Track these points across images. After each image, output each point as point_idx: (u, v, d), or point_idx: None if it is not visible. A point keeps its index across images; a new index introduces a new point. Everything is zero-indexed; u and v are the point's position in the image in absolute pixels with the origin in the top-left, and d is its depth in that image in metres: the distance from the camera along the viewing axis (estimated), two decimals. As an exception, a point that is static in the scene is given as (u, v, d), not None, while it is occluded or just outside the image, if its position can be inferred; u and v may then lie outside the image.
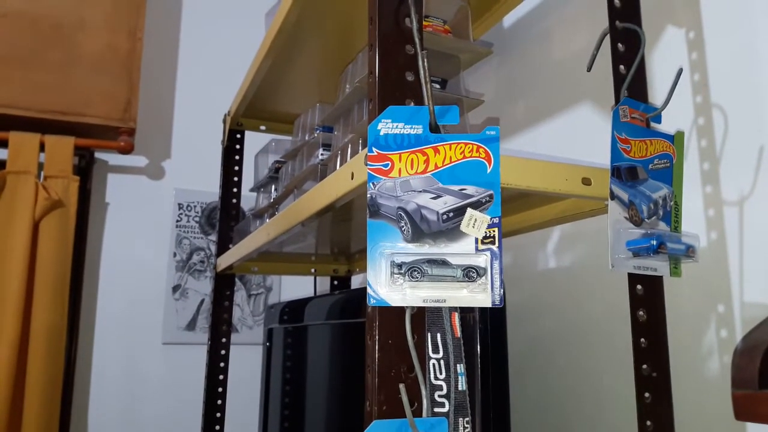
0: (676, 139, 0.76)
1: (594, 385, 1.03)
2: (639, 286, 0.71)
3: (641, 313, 0.70)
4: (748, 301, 0.80)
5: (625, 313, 0.85)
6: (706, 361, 0.83)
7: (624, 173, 0.70)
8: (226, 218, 1.55)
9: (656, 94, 0.95)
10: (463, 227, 0.61)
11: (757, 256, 0.80)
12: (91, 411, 1.84)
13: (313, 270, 1.63)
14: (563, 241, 1.15)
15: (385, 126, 0.62)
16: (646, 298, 0.71)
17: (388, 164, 0.62)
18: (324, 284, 1.80)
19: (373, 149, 0.61)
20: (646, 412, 0.68)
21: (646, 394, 0.68)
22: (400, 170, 0.62)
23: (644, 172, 0.72)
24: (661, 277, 0.72)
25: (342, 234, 1.33)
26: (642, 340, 0.70)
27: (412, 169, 0.62)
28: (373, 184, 0.61)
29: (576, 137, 1.13)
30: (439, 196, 0.62)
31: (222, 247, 1.52)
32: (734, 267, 0.82)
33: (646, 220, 0.70)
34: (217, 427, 1.45)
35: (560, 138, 1.17)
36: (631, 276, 0.72)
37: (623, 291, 0.75)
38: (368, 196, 0.61)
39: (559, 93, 1.18)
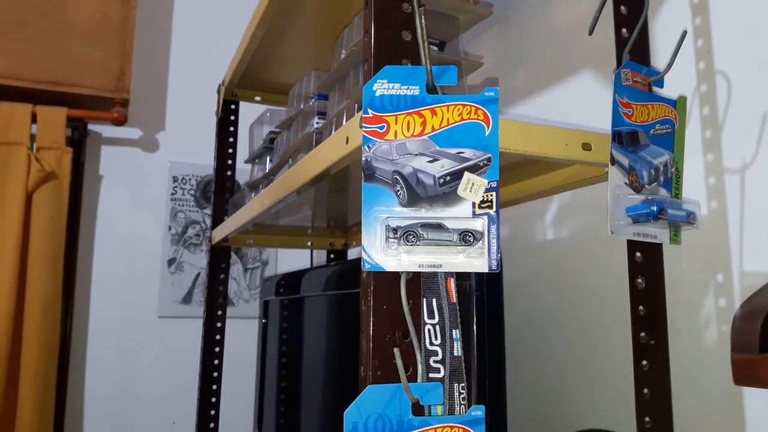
0: (678, 105, 0.75)
1: (590, 356, 1.03)
2: (638, 254, 0.70)
3: (640, 280, 0.69)
4: (748, 271, 0.79)
5: (622, 284, 0.84)
6: (704, 329, 0.83)
7: (625, 138, 0.69)
8: (220, 190, 1.53)
9: (659, 61, 0.93)
10: (460, 191, 0.60)
11: (757, 225, 0.79)
12: (87, 383, 1.84)
13: (309, 243, 1.62)
14: (560, 213, 1.13)
15: (381, 87, 0.60)
16: (645, 266, 0.70)
17: (383, 126, 0.60)
18: (320, 258, 1.79)
19: (369, 111, 0.60)
20: (643, 380, 0.67)
21: (644, 362, 0.67)
22: (396, 132, 0.60)
23: (645, 137, 0.71)
24: (661, 244, 0.71)
25: (338, 206, 1.31)
26: (640, 307, 0.69)
27: (408, 131, 0.60)
28: (368, 146, 0.60)
29: (577, 107, 1.11)
30: (435, 160, 0.60)
31: (217, 220, 1.50)
32: (734, 236, 0.81)
33: (646, 186, 0.69)
34: (213, 399, 1.45)
35: (561, 107, 1.15)
36: (630, 243, 0.71)
37: (620, 262, 0.74)
38: (363, 159, 0.59)
39: (559, 61, 1.16)
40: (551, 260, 1.15)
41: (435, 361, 0.56)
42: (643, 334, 0.68)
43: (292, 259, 2.13)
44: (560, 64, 1.16)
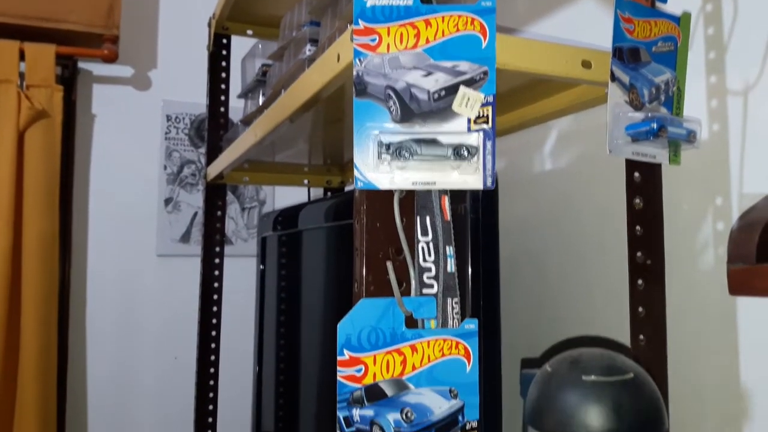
0: (682, 21, 0.72)
1: (586, 285, 1.03)
2: (636, 174, 0.69)
3: (638, 200, 0.69)
4: (747, 193, 0.78)
5: (619, 212, 0.83)
6: (701, 252, 0.82)
7: (626, 54, 0.67)
8: (214, 127, 1.51)
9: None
10: (455, 107, 0.58)
11: (759, 149, 0.78)
12: (88, 322, 1.86)
13: (305, 181, 1.61)
14: (558, 144, 1.12)
15: (373, -4, 0.57)
16: (644, 186, 0.69)
17: (375, 39, 0.58)
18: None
19: (359, 22, 0.57)
20: (638, 299, 0.67)
21: (639, 281, 0.67)
22: (388, 45, 0.58)
23: (647, 54, 0.69)
24: (660, 164, 0.70)
25: (334, 141, 1.29)
26: (637, 228, 0.68)
27: (401, 44, 0.58)
28: (360, 60, 0.58)
29: (577, 35, 1.08)
30: (430, 74, 0.58)
31: (211, 157, 1.48)
32: (735, 159, 0.80)
33: (647, 104, 0.67)
34: (213, 333, 1.47)
35: (560, 33, 1.12)
36: (628, 163, 0.69)
37: (618, 189, 0.73)
38: (354, 73, 0.57)
39: (560, -14, 1.12)
40: (548, 191, 1.14)
41: (428, 277, 0.56)
42: (639, 253, 0.68)
43: (289, 199, 2.12)
44: (561, -11, 1.12)
